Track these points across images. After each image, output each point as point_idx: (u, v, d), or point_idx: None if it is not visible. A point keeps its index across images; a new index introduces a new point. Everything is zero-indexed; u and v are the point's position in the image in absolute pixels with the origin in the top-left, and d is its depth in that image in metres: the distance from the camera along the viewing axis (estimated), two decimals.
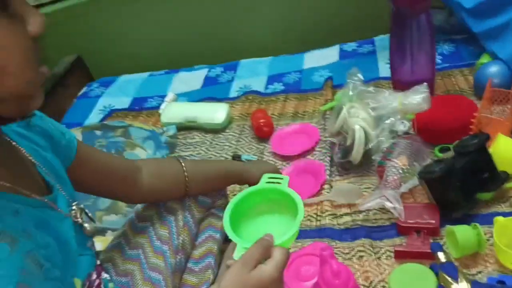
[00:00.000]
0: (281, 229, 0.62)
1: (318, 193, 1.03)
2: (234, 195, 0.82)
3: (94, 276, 0.62)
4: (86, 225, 0.62)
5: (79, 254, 0.59)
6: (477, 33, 1.24)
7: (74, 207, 0.60)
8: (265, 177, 0.72)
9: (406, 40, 1.14)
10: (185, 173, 0.82)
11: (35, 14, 0.45)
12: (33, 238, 0.48)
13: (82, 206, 0.62)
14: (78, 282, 0.56)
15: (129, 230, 0.83)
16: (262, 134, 1.25)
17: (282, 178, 0.71)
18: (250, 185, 0.88)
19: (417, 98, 1.01)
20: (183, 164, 0.83)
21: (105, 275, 0.67)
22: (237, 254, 0.59)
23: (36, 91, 0.47)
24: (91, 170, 0.72)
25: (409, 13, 1.12)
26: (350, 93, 1.07)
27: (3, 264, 0.42)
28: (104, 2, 1.80)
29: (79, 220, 0.60)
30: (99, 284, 0.63)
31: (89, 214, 0.63)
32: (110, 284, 0.68)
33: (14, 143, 0.56)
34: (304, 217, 0.98)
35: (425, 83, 1.03)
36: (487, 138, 0.90)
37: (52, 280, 0.49)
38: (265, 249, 0.57)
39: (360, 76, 1.11)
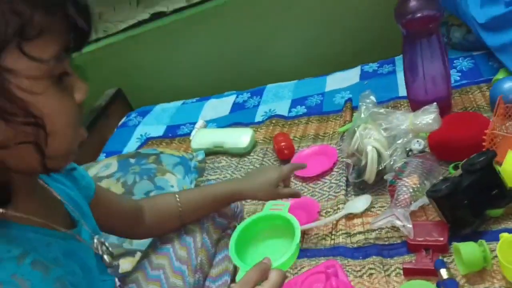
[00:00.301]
0: (282, 252, 0.68)
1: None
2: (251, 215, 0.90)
3: None
4: (105, 256, 0.69)
5: (101, 280, 0.67)
6: (492, 47, 1.25)
7: (95, 240, 0.68)
8: (269, 204, 0.82)
9: (418, 60, 1.17)
10: (179, 204, 0.90)
11: (81, 84, 0.53)
12: (62, 266, 0.56)
13: (102, 239, 0.70)
14: None
15: (152, 251, 0.91)
16: (283, 156, 1.31)
17: (284, 205, 0.79)
18: (250, 199, 0.96)
19: (426, 118, 1.04)
20: (177, 196, 0.91)
21: None
22: (238, 277, 0.66)
23: (76, 149, 0.55)
24: (104, 211, 0.80)
25: (419, 35, 1.15)
26: (362, 115, 1.12)
27: None
28: (140, 39, 1.95)
29: (100, 252, 0.68)
30: None
31: (109, 247, 0.71)
32: None
33: (45, 185, 0.65)
34: (320, 235, 1.03)
35: (435, 103, 1.05)
36: (494, 155, 0.91)
37: None
38: (262, 271, 0.63)
39: (372, 98, 1.16)
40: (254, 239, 0.77)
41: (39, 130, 0.48)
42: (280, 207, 0.80)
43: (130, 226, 0.88)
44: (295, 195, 1.00)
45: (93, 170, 1.31)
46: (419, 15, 1.12)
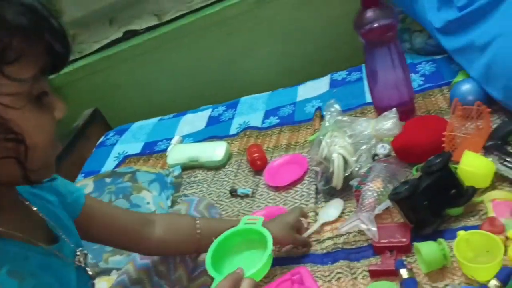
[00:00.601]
0: (256, 263, 0.73)
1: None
2: None
3: None
4: (88, 269, 0.72)
5: None
6: (449, 51, 1.29)
7: (78, 253, 0.71)
8: (244, 219, 0.87)
9: (378, 68, 1.22)
10: (198, 231, 0.91)
11: (59, 103, 0.58)
12: (38, 278, 0.59)
13: (85, 251, 0.73)
14: None
15: (132, 267, 0.94)
16: (257, 167, 1.34)
17: (257, 219, 0.83)
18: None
19: (387, 124, 1.08)
20: (197, 221, 0.91)
21: None
22: (212, 287, 0.69)
23: (54, 161, 0.60)
24: (97, 224, 0.83)
25: (377, 44, 1.20)
26: (327, 123, 1.16)
27: None
28: (115, 58, 1.98)
29: (82, 264, 0.71)
30: None
31: (91, 260, 0.74)
32: None
33: (27, 202, 0.68)
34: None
35: (394, 109, 1.10)
36: (449, 156, 0.95)
37: None
38: (234, 280, 0.67)
39: (337, 106, 1.20)
40: (230, 252, 0.82)
41: (20, 146, 0.53)
42: (255, 221, 0.84)
43: (132, 240, 0.88)
44: (307, 245, 1.02)
45: None
46: (376, 25, 1.16)
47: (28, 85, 0.52)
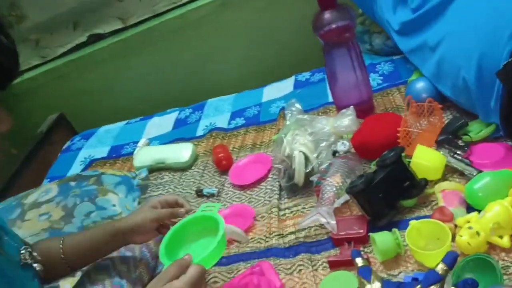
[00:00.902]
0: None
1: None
2: None
3: None
4: (35, 265, 0.72)
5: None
6: (404, 51, 1.35)
7: (23, 251, 0.71)
8: (202, 207, 0.86)
9: (337, 69, 1.26)
10: (61, 251, 0.87)
11: (4, 117, 0.58)
12: None
13: (29, 249, 0.73)
14: None
15: (92, 268, 0.94)
16: (222, 167, 1.36)
17: (214, 206, 0.83)
18: (133, 242, 0.92)
19: (345, 121, 1.13)
20: (60, 242, 0.87)
21: None
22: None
23: None
24: None
25: (336, 45, 1.24)
26: (288, 122, 1.19)
27: None
28: (79, 62, 1.97)
29: (28, 261, 0.71)
30: None
31: (37, 257, 0.74)
32: None
33: None
34: (255, 239, 1.08)
35: (351, 107, 1.14)
36: (402, 150, 0.99)
37: None
38: (180, 267, 0.67)
39: (298, 105, 1.23)
40: (186, 240, 0.82)
41: None
42: (211, 208, 0.85)
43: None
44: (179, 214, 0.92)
45: (33, 196, 1.31)
46: (333, 26, 1.21)
47: None
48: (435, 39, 1.20)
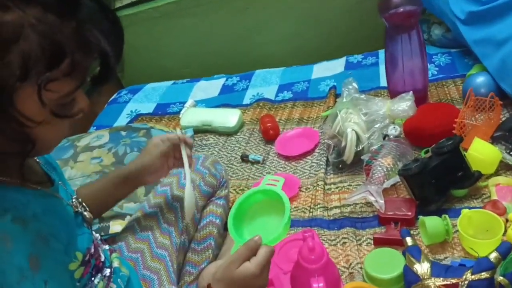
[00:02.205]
0: (274, 228, 0.74)
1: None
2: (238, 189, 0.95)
3: (92, 250, 0.73)
4: (85, 213, 0.74)
5: (79, 234, 0.71)
6: (469, 41, 1.32)
7: (74, 200, 0.73)
8: (265, 179, 0.85)
9: (398, 54, 1.26)
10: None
11: (82, 102, 0.57)
12: (41, 220, 0.60)
13: (80, 200, 0.75)
14: (79, 255, 0.68)
15: (141, 215, 0.98)
16: (269, 137, 1.38)
17: (279, 180, 0.82)
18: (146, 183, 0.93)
19: (403, 105, 1.13)
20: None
21: (104, 246, 0.80)
22: (233, 250, 0.73)
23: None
24: None
25: (400, 29, 1.23)
26: (344, 100, 1.20)
27: (18, 240, 0.55)
28: (135, 18, 1.99)
29: (79, 209, 0.73)
30: (99, 256, 0.75)
31: (85, 206, 0.76)
32: (114, 254, 0.82)
33: None
34: (300, 208, 1.11)
35: (411, 92, 1.14)
36: (461, 140, 1.00)
37: (57, 252, 0.61)
38: (251, 249, 0.69)
39: (355, 85, 1.23)
40: (250, 215, 0.82)
41: (28, 145, 0.54)
42: (275, 182, 0.84)
43: None
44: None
45: (85, 140, 1.36)
46: (401, 9, 1.20)
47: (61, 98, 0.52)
48: (503, 34, 1.18)
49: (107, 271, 0.76)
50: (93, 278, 0.72)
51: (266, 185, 0.84)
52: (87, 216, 0.75)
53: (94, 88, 0.57)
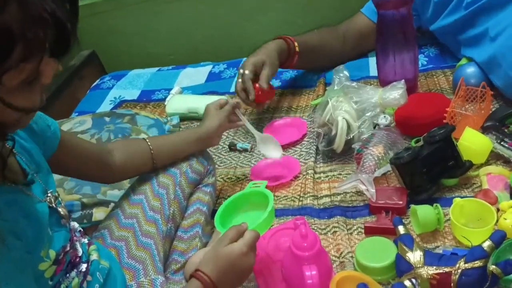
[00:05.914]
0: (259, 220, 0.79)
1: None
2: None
3: (68, 248, 0.70)
4: (60, 209, 0.70)
5: (55, 231, 0.68)
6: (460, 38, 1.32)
7: (49, 195, 0.69)
8: (250, 184, 0.93)
9: (389, 42, 1.24)
10: (151, 151, 0.95)
11: (50, 70, 0.54)
12: (2, 213, 0.58)
13: (56, 194, 0.71)
14: (53, 253, 0.65)
15: (126, 202, 0.94)
16: (259, 98, 1.29)
17: (262, 183, 0.91)
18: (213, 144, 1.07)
19: (394, 93, 1.11)
20: (148, 142, 0.96)
21: (83, 240, 0.77)
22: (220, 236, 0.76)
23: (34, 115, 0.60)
24: (73, 156, 0.84)
25: (392, 18, 1.22)
26: (335, 87, 1.18)
27: None
28: (118, 2, 1.93)
29: (53, 205, 0.69)
30: (76, 251, 0.73)
31: (62, 202, 0.72)
32: (92, 247, 0.78)
33: None
34: (289, 197, 1.09)
35: (403, 80, 1.13)
36: (452, 129, 0.99)
37: (14, 251, 0.57)
38: (238, 232, 0.73)
39: (346, 72, 1.22)
40: (237, 212, 0.88)
41: (5, 110, 0.51)
42: (259, 185, 0.91)
43: (99, 169, 0.90)
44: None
45: (67, 125, 1.31)
46: None
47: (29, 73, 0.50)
48: (496, 29, 1.17)
49: (83, 266, 0.73)
50: (68, 274, 0.69)
51: (249, 189, 0.91)
52: (62, 212, 0.71)
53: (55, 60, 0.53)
